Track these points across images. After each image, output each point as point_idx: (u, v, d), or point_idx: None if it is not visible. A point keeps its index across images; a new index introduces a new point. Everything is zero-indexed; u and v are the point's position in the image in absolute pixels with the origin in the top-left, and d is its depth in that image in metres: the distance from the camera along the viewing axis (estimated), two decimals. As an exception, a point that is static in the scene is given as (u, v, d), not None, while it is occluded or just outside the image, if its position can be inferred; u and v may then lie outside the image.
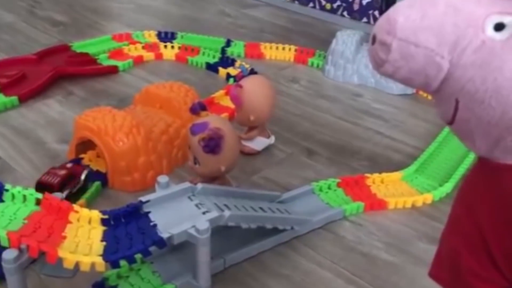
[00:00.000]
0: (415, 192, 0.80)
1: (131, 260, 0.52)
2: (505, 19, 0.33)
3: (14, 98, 0.95)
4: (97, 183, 0.74)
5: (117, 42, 1.26)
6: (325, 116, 1.03)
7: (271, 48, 1.31)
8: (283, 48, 1.31)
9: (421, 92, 1.15)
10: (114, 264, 0.51)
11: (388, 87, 1.14)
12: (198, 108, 0.72)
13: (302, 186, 0.77)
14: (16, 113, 0.93)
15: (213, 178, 0.70)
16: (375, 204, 0.76)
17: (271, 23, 1.56)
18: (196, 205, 0.59)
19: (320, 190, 0.78)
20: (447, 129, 0.93)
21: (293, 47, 1.31)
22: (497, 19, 0.33)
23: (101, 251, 0.52)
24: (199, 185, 0.62)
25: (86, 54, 1.16)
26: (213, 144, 0.64)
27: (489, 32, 0.33)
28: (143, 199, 0.58)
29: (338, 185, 0.79)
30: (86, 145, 0.78)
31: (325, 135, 0.96)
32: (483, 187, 0.39)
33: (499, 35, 0.33)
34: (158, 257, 0.60)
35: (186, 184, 0.61)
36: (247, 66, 1.07)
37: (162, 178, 0.61)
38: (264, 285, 0.61)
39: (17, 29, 1.32)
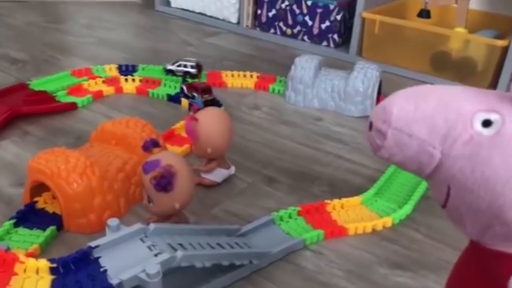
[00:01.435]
0: (375, 216, 0.80)
1: (79, 310, 0.50)
2: (492, 117, 0.36)
3: (-34, 142, 0.93)
4: (51, 228, 0.72)
5: (77, 77, 1.25)
6: (285, 142, 1.03)
7: (232, 76, 1.32)
8: (245, 76, 1.32)
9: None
10: (61, 316, 0.50)
11: (347, 109, 1.16)
12: (150, 145, 0.71)
13: (262, 217, 0.77)
14: (-31, 158, 0.91)
15: (168, 216, 0.69)
16: (335, 231, 0.76)
17: (233, 50, 1.57)
18: (149, 247, 0.58)
19: (281, 219, 0.77)
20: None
21: (255, 74, 1.32)
22: (484, 116, 0.36)
23: (48, 303, 0.51)
24: (152, 226, 0.61)
25: (44, 92, 1.14)
26: (164, 182, 0.64)
27: (477, 127, 0.36)
28: (93, 244, 0.57)
29: (299, 213, 0.79)
30: (41, 187, 0.76)
31: (286, 161, 0.96)
32: (474, 269, 0.41)
33: (486, 131, 0.36)
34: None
35: (138, 226, 0.60)
36: (201, 99, 1.07)
37: (112, 221, 0.60)
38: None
39: (-27, 69, 1.29)
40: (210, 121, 0.81)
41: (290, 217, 0.79)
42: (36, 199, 0.77)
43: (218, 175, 0.86)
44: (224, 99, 1.18)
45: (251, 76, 1.32)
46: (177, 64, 1.27)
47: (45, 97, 1.13)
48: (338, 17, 1.52)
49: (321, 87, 1.18)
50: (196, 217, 0.78)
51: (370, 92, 1.14)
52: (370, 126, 0.40)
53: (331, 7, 1.51)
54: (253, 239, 0.71)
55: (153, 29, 1.75)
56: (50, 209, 0.76)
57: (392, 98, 0.40)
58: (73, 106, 1.12)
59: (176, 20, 1.85)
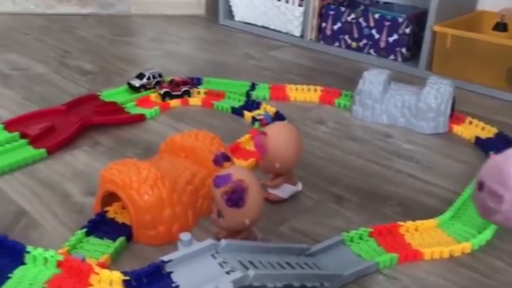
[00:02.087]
0: (452, 241, 0.75)
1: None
2: None
3: (42, 151, 0.96)
4: (121, 239, 0.72)
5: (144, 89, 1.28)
6: (353, 159, 1.00)
7: (296, 89, 1.30)
8: (309, 89, 1.30)
9: (454, 130, 1.11)
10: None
11: (419, 126, 1.11)
12: (221, 160, 0.71)
13: (331, 237, 0.74)
14: (43, 165, 0.94)
15: (237, 232, 0.67)
16: (410, 255, 0.72)
17: (296, 63, 1.56)
18: (220, 264, 0.57)
19: (351, 240, 0.74)
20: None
21: (318, 88, 1.29)
22: None
23: (121, 315, 0.50)
24: (223, 242, 0.59)
25: (114, 103, 1.18)
26: (236, 198, 0.63)
27: None
28: (165, 258, 0.56)
29: (370, 234, 0.76)
30: (112, 197, 0.77)
31: (354, 179, 0.93)
32: None
33: None
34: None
35: (209, 241, 0.59)
36: (270, 113, 1.06)
37: (185, 236, 0.59)
38: None
39: (48, 80, 1.35)
40: (279, 135, 0.79)
41: (361, 238, 0.75)
42: (106, 208, 0.78)
43: (285, 191, 0.84)
44: (288, 113, 1.17)
45: (315, 90, 1.30)
46: (145, 77, 1.26)
47: (115, 108, 1.16)
48: (407, 30, 1.47)
49: (390, 102, 1.14)
50: (263, 234, 0.76)
51: (443, 109, 1.09)
52: (481, 186, 0.37)
53: (400, 20, 1.47)
54: (323, 260, 0.69)
55: (217, 42, 1.77)
56: (120, 219, 0.77)
57: (508, 157, 0.37)
58: (141, 118, 1.14)
59: (239, 33, 1.87)
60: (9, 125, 1.04)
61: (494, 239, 0.76)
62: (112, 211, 0.78)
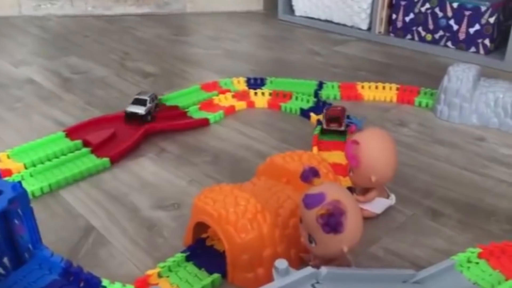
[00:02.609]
0: None
1: None
2: None
3: (105, 160, 0.91)
4: (215, 276, 0.64)
5: (206, 92, 1.21)
6: (444, 166, 0.89)
7: (369, 87, 1.20)
8: (383, 87, 1.19)
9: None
10: None
11: (516, 127, 0.98)
12: (310, 175, 0.62)
13: (432, 260, 0.64)
14: (109, 175, 0.89)
15: (331, 259, 0.59)
16: (534, 283, 0.61)
17: (366, 59, 1.45)
18: (321, 298, 0.49)
19: (461, 265, 0.64)
20: None
21: (394, 86, 1.18)
22: None
23: None
24: (324, 270, 0.51)
25: (176, 107, 1.12)
26: (334, 222, 0.54)
27: None
28: (259, 292, 0.48)
29: (480, 256, 0.65)
30: (202, 224, 0.69)
31: (449, 190, 0.82)
32: None
33: None
34: None
35: (309, 270, 0.51)
36: (359, 118, 0.94)
37: (281, 263, 0.51)
38: None
39: (110, 83, 1.31)
40: (373, 144, 0.70)
41: (469, 261, 0.65)
42: (204, 235, 0.71)
43: (378, 205, 0.74)
44: (363, 114, 1.07)
45: (390, 87, 1.19)
46: (148, 102, 1.05)
47: (177, 112, 1.10)
48: (491, 20, 1.33)
49: (481, 100, 1.02)
50: (353, 256, 0.67)
51: (547, 107, 0.96)
52: None
53: (483, 8, 1.33)
54: (432, 289, 0.59)
55: (278, 39, 1.68)
56: (219, 246, 0.69)
57: None
58: (205, 122, 1.07)
59: (300, 28, 1.78)
60: (71, 133, 1.00)
61: None
62: (210, 239, 0.71)
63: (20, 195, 0.51)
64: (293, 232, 0.66)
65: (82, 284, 0.49)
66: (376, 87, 1.20)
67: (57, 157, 0.92)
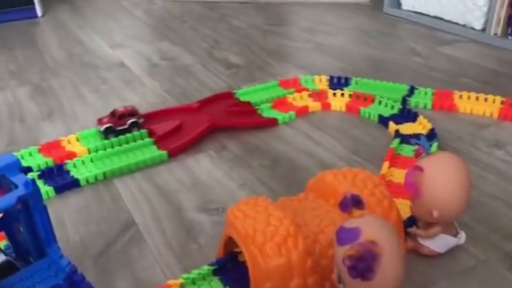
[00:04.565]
0: None
1: None
2: None
3: (163, 153, 0.89)
4: None
5: (284, 88, 1.15)
6: (542, 204, 0.74)
7: (468, 98, 1.04)
8: (486, 99, 1.03)
9: None
10: None
11: None
12: (350, 204, 0.53)
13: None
14: (165, 169, 0.87)
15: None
16: None
17: (474, 64, 1.28)
18: None
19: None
20: None
21: (498, 98, 1.02)
22: None
23: None
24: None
25: (248, 104, 1.07)
26: (362, 268, 0.45)
27: None
28: None
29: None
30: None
31: (541, 235, 0.67)
32: None
33: None
34: None
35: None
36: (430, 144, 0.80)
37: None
38: None
39: (192, 72, 1.31)
40: (441, 172, 0.58)
41: (543, 334, 0.52)
42: (238, 249, 0.65)
43: (442, 243, 0.63)
44: (452, 129, 0.93)
45: (494, 100, 1.02)
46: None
47: (248, 109, 1.05)
48: None
49: None
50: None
51: None
52: None
53: None
54: None
55: (378, 34, 1.55)
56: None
57: None
58: (273, 122, 1.01)
59: (406, 24, 1.62)
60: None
61: None
62: (243, 254, 0.65)
63: (31, 193, 0.50)
64: (331, 263, 0.57)
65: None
66: (477, 98, 1.04)
67: (120, 145, 0.93)
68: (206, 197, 0.79)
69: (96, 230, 0.72)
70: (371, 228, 0.48)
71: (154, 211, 0.76)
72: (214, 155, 0.91)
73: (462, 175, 0.59)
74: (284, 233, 0.57)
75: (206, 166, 0.88)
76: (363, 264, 0.46)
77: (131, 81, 1.25)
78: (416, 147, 0.80)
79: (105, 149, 0.92)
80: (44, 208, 0.52)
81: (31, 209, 0.50)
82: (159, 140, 0.93)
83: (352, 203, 0.53)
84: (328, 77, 1.17)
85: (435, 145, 0.86)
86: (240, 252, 0.65)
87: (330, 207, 0.64)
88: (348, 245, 0.47)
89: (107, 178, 0.85)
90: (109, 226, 0.73)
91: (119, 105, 1.04)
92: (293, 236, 0.57)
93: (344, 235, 0.49)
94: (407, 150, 0.87)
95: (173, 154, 0.90)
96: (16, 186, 0.50)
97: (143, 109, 1.08)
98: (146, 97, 1.16)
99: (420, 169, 0.59)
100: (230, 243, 0.65)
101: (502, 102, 1.01)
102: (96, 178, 0.84)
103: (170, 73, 1.30)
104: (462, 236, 0.65)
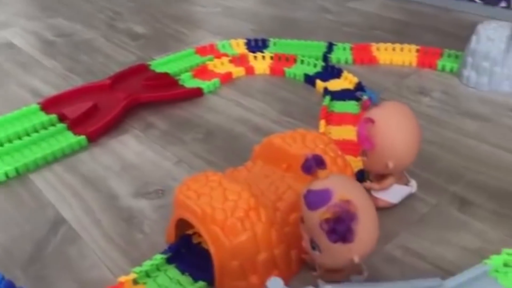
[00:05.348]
0: None
1: None
2: None
3: (82, 138, 0.80)
4: (200, 284, 0.54)
5: (201, 56, 1.08)
6: (475, 144, 0.76)
7: (385, 49, 1.06)
8: (401, 49, 1.05)
9: None
10: None
11: (557, 96, 0.85)
12: (313, 165, 0.50)
13: (462, 262, 0.54)
14: (87, 156, 0.78)
15: (339, 268, 0.48)
16: None
17: (384, 17, 1.30)
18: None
19: (496, 270, 0.53)
20: None
21: (413, 47, 1.04)
22: None
23: None
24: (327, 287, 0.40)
25: (166, 75, 0.99)
26: (342, 230, 0.42)
27: None
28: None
29: (518, 259, 0.54)
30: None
31: (480, 173, 0.70)
32: None
33: None
34: None
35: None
36: (375, 92, 0.81)
37: (273, 283, 0.40)
38: None
39: (96, 47, 1.19)
40: (392, 123, 0.57)
41: (505, 265, 0.54)
42: (190, 231, 0.60)
43: (395, 194, 0.62)
44: (377, 80, 0.94)
45: (409, 49, 1.05)
46: None
47: (168, 81, 0.97)
48: (527, -31, 1.17)
49: (516, 64, 0.88)
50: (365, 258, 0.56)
51: None
52: None
53: (517, -45, 1.17)
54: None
55: (283, -6, 1.53)
56: (207, 245, 0.58)
57: None
58: (198, 92, 0.94)
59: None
60: (47, 106, 0.88)
61: None
62: (197, 236, 0.60)
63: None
64: (294, 230, 0.54)
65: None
66: (394, 49, 1.06)
67: (28, 135, 0.81)
68: (141, 180, 0.72)
69: (19, 234, 0.62)
70: (342, 187, 0.46)
71: (84, 204, 0.68)
72: (140, 134, 0.83)
73: (412, 122, 0.59)
74: (245, 207, 0.52)
75: (133, 147, 0.80)
76: (343, 226, 0.43)
77: (26, 63, 1.10)
78: (362, 100, 0.78)
79: (11, 141, 0.80)
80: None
81: None
82: (74, 125, 0.83)
83: (316, 164, 0.50)
84: (245, 41, 1.12)
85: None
86: (193, 234, 0.60)
87: (282, 172, 0.60)
88: (321, 208, 0.44)
89: (21, 174, 0.74)
90: (35, 227, 0.64)
91: (17, 91, 0.91)
92: (255, 208, 0.53)
93: (315, 198, 0.45)
94: (340, 107, 0.86)
95: (93, 138, 0.81)
96: None
97: (46, 92, 0.96)
98: (47, 79, 1.03)
99: (372, 121, 0.57)
100: (180, 226, 0.59)
101: (417, 51, 1.04)
102: (7, 176, 0.73)
103: (70, 50, 1.17)
104: (414, 184, 0.65)
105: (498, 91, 0.89)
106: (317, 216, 0.44)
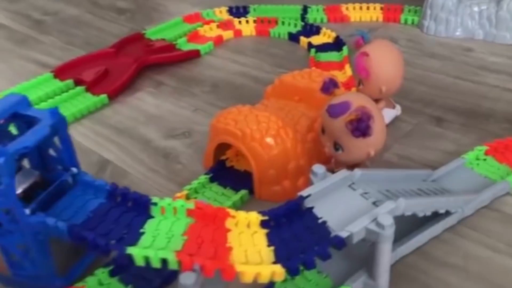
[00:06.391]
0: None
1: (310, 265, 0.44)
2: None
3: (103, 97, 0.89)
4: (243, 192, 0.65)
5: (190, 24, 1.18)
6: (440, 77, 0.92)
7: (354, 8, 1.20)
8: (368, 8, 1.20)
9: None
10: (294, 271, 0.44)
11: (501, 36, 1.02)
12: (331, 86, 0.63)
13: (443, 161, 0.68)
14: (110, 111, 0.87)
15: (355, 164, 0.61)
16: (540, 170, 0.66)
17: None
18: (362, 195, 0.51)
19: (470, 162, 0.68)
20: None
21: (378, 5, 1.19)
22: None
23: (273, 258, 0.45)
24: (358, 172, 0.53)
25: (163, 40, 1.09)
26: (363, 126, 0.56)
27: None
28: (304, 193, 0.51)
29: (486, 153, 0.69)
30: (221, 148, 0.70)
31: (448, 98, 0.86)
32: None
33: None
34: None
35: (345, 172, 0.53)
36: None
37: (318, 168, 0.53)
38: (439, 280, 0.53)
39: (85, 22, 1.26)
40: (383, 54, 0.71)
41: (477, 158, 0.69)
42: (223, 157, 0.71)
43: (386, 116, 0.76)
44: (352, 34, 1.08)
45: (374, 7, 1.20)
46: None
47: (166, 45, 1.07)
48: None
49: (466, 13, 1.04)
50: (369, 162, 0.70)
51: (531, 14, 0.99)
52: None
53: None
54: (449, 185, 0.63)
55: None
56: (239, 166, 0.70)
57: None
58: (196, 53, 1.05)
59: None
60: (60, 73, 0.96)
61: None
62: (229, 160, 0.72)
63: (59, 121, 0.50)
64: (312, 146, 0.68)
65: (130, 204, 0.49)
66: (361, 8, 1.20)
67: (50, 98, 0.89)
68: (167, 126, 0.82)
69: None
70: (357, 98, 0.59)
71: (122, 148, 0.78)
72: (153, 91, 0.93)
73: (398, 54, 0.74)
74: (275, 127, 0.65)
75: (151, 102, 0.90)
76: (363, 124, 0.56)
77: (23, 40, 1.16)
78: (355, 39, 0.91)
79: (35, 105, 0.88)
80: (69, 137, 0.52)
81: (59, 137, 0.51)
82: (92, 87, 0.92)
83: (333, 85, 0.63)
84: (228, 8, 1.23)
85: (345, 49, 1.00)
86: (226, 159, 0.72)
87: (295, 104, 0.73)
88: (344, 115, 0.58)
89: (57, 129, 0.82)
90: (83, 168, 0.73)
91: (23, 64, 0.98)
92: (283, 127, 0.65)
93: (337, 109, 0.58)
94: (325, 57, 0.99)
95: (113, 96, 0.90)
96: (31, 121, 0.50)
97: (52, 63, 1.03)
98: (49, 52, 1.10)
99: (367, 54, 0.71)
100: (215, 153, 0.71)
101: (381, 8, 1.19)
102: (46, 131, 0.81)
103: (61, 27, 1.23)
104: (399, 108, 0.80)
105: (453, 37, 1.06)
106: (341, 121, 0.57)
